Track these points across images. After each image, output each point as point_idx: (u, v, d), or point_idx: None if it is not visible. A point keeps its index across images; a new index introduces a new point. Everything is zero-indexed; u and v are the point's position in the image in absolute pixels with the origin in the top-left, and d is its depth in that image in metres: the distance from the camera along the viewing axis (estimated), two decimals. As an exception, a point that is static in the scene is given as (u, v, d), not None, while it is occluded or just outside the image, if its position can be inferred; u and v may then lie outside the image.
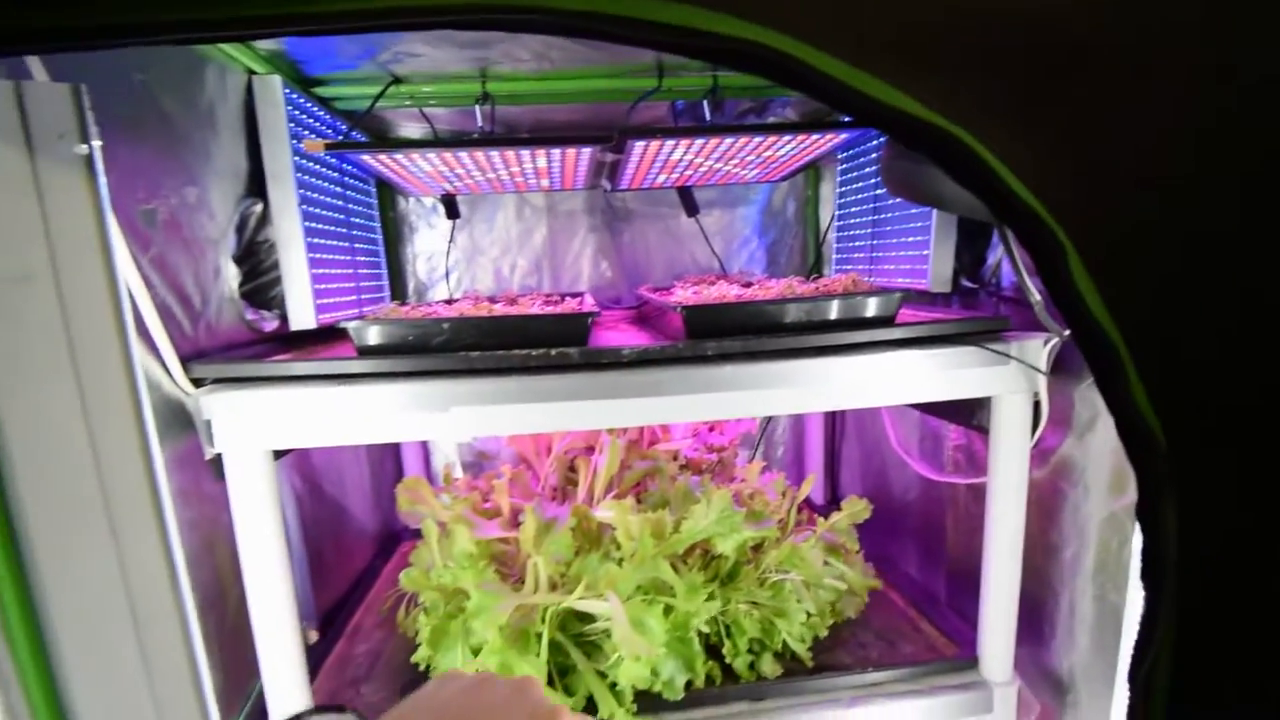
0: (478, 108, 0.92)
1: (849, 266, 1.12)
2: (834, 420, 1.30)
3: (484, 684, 0.36)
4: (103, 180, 0.40)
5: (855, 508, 0.86)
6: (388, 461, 1.24)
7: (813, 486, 0.96)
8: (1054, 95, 0.31)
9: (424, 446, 1.26)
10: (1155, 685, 0.41)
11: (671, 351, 0.63)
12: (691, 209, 1.13)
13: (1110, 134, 0.31)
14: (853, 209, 1.10)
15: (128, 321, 0.42)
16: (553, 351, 0.63)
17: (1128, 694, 0.40)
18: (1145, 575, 0.39)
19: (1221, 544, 0.37)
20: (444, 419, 0.61)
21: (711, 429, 1.04)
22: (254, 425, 0.59)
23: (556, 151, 0.80)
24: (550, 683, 0.71)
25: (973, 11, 0.30)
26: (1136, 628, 0.38)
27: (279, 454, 0.66)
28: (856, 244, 1.08)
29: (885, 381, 0.66)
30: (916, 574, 1.00)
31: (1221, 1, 0.30)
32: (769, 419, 1.36)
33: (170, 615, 0.49)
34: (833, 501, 1.29)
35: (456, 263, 1.26)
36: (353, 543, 1.06)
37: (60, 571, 0.41)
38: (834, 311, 0.68)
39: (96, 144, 0.40)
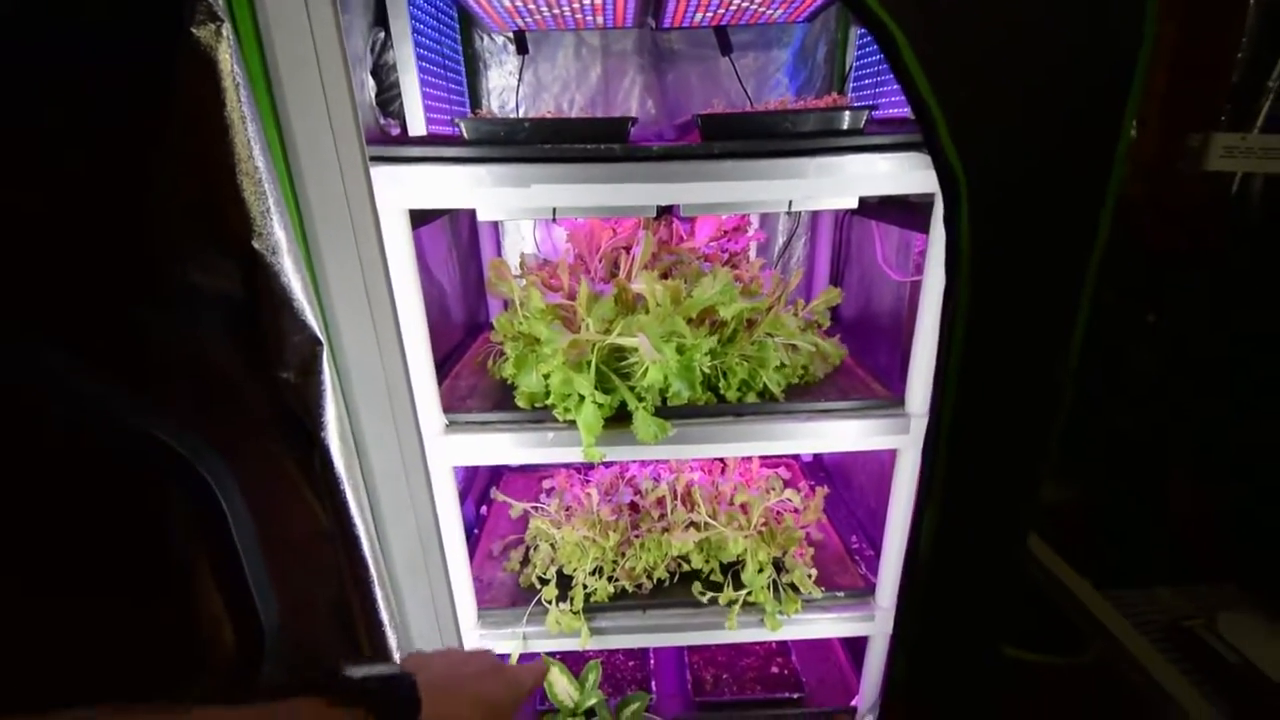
0: (545, -51, 1.09)
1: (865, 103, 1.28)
2: (840, 243, 1.52)
3: (470, 658, 0.57)
4: (338, 6, 0.65)
5: (829, 295, 1.12)
6: (472, 268, 1.56)
7: (830, 295, 1.20)
8: None
9: (499, 253, 1.57)
10: (943, 410, 0.68)
11: (687, 149, 0.87)
12: (726, 48, 1.29)
13: None
14: (869, 49, 1.24)
15: (353, 93, 0.69)
16: (602, 146, 0.87)
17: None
18: (948, 265, 0.64)
19: (998, 238, 0.61)
20: (526, 193, 0.88)
21: (727, 236, 1.29)
22: (398, 190, 0.87)
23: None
24: (595, 390, 1.04)
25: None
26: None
27: (415, 218, 0.95)
28: (867, 83, 1.24)
29: (850, 178, 0.89)
30: (883, 358, 1.27)
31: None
32: (788, 242, 1.59)
33: (385, 302, 0.80)
34: (834, 313, 1.55)
35: (524, 98, 1.48)
36: (451, 320, 1.40)
37: (334, 262, 0.72)
38: (810, 123, 0.89)
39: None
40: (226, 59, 0.58)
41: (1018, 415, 0.76)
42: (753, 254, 1.52)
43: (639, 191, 0.89)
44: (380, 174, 0.86)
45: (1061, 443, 0.97)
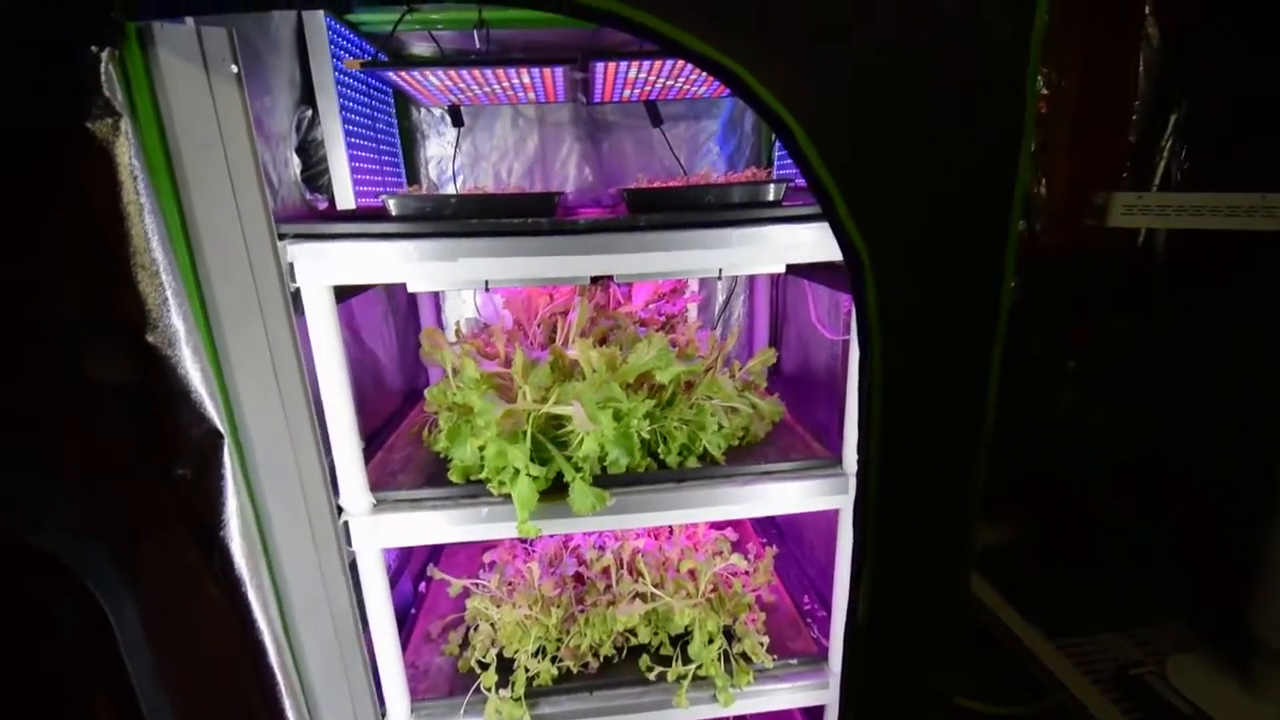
0: (475, 32, 1.13)
1: (790, 170, 1.34)
2: (777, 301, 1.56)
3: None
4: (245, 88, 0.65)
5: (765, 355, 1.14)
6: (410, 334, 1.53)
7: (766, 355, 1.22)
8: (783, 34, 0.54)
9: (439, 319, 1.54)
10: (870, 452, 0.69)
11: (613, 222, 0.89)
12: (656, 120, 1.35)
13: (815, 59, 0.54)
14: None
15: (260, 174, 0.68)
16: (529, 220, 0.88)
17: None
18: (859, 334, 0.66)
19: (904, 305, 0.64)
20: (453, 266, 0.88)
21: (664, 299, 1.30)
22: (321, 267, 0.85)
23: (535, 69, 1.02)
24: (531, 461, 1.02)
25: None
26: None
27: (339, 294, 0.93)
28: (792, 152, 1.30)
29: (773, 246, 0.91)
30: (821, 415, 1.29)
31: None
32: (727, 303, 1.62)
33: (297, 384, 0.77)
34: (775, 369, 1.57)
35: (462, 167, 1.49)
36: (386, 389, 1.36)
37: (239, 347, 0.68)
38: (732, 196, 0.93)
39: (239, 66, 0.64)
40: (124, 152, 0.56)
41: (942, 474, 0.77)
42: (693, 314, 1.54)
43: (568, 263, 0.89)
44: (302, 251, 0.84)
45: (999, 486, 1.00)
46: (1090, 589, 1.48)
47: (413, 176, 1.47)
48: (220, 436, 0.63)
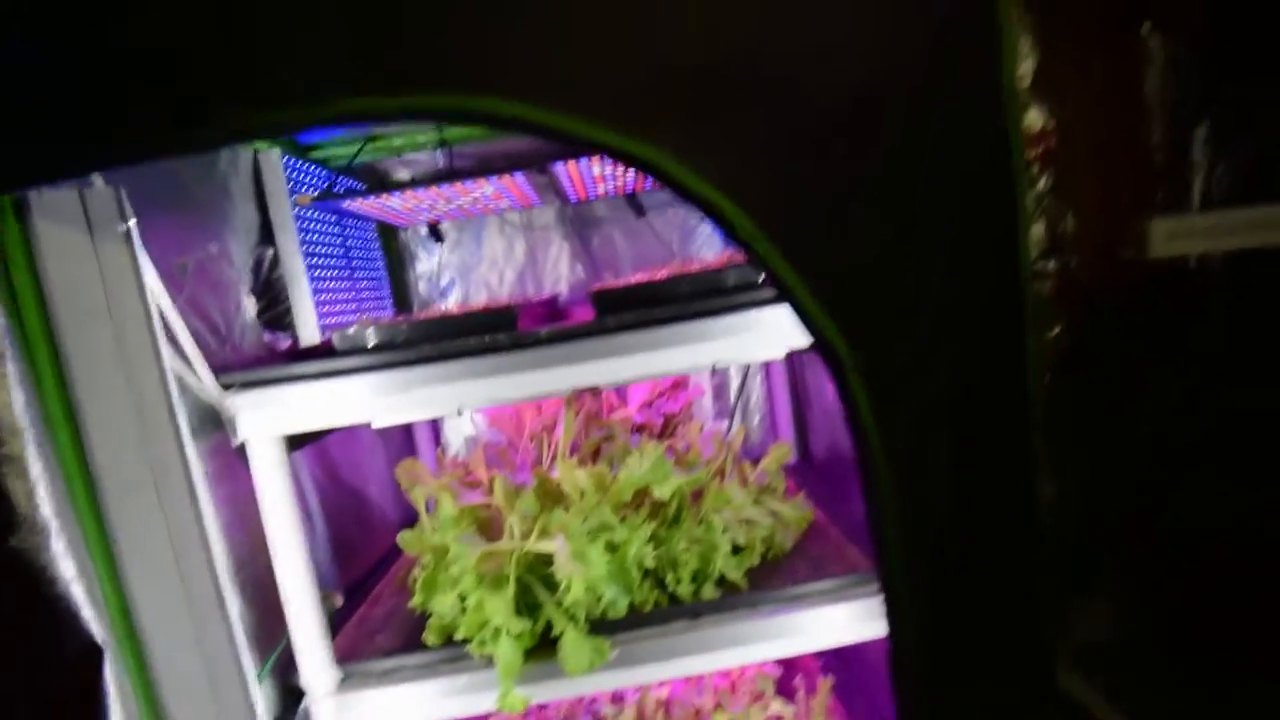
0: (439, 151, 1.11)
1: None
2: (797, 389, 1.42)
3: None
4: (138, 246, 0.59)
5: (779, 452, 0.99)
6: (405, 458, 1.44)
7: (780, 452, 1.07)
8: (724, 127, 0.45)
9: (435, 441, 1.46)
10: (888, 538, 0.54)
11: (578, 328, 0.79)
12: (639, 211, 1.29)
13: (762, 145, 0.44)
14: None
15: (161, 344, 0.61)
16: (485, 339, 0.79)
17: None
18: (857, 445, 0.52)
19: (905, 408, 0.50)
20: (406, 399, 0.79)
21: (663, 396, 1.18)
22: (266, 417, 0.78)
23: (494, 179, 0.97)
24: (519, 613, 0.87)
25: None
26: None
27: (292, 441, 0.85)
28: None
29: (767, 332, 0.80)
30: (859, 509, 1.11)
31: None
32: (742, 388, 1.49)
33: (204, 570, 0.67)
34: (804, 458, 1.40)
35: (453, 280, 1.46)
36: (376, 527, 1.26)
37: (129, 532, 0.60)
38: (711, 283, 0.82)
39: (132, 223, 0.59)
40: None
41: (992, 591, 0.60)
42: (708, 403, 1.41)
43: (537, 379, 0.79)
44: (244, 401, 0.77)
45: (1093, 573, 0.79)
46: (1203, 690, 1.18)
47: (403, 296, 1.44)
48: (101, 651, 0.53)
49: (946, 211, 0.48)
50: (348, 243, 1.18)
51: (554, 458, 1.02)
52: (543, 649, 0.83)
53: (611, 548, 0.86)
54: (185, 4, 0.42)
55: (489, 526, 0.98)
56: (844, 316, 0.48)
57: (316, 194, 0.95)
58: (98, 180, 0.58)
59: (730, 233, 0.46)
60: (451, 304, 1.45)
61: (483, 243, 1.46)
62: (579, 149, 0.85)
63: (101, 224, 0.57)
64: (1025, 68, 1.35)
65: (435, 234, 1.32)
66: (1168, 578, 1.26)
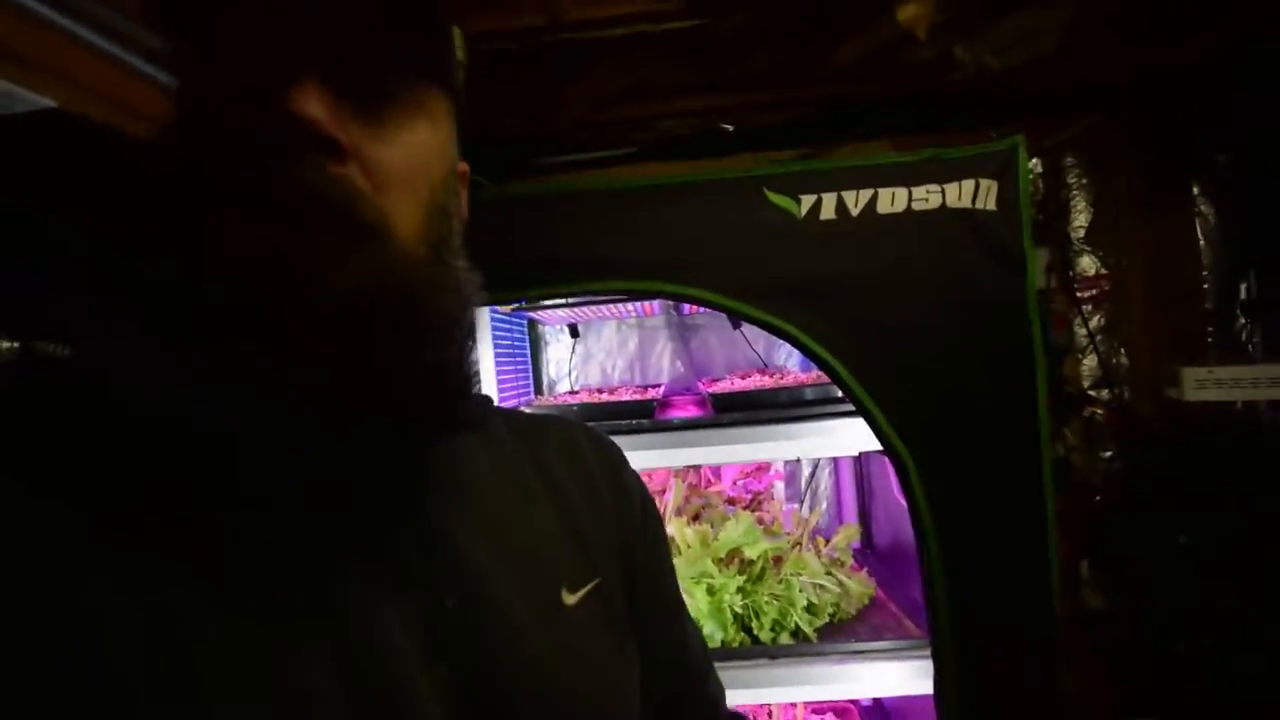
0: (591, 272, 1.47)
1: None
2: (863, 480, 1.64)
3: None
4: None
5: (847, 532, 1.22)
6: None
7: (849, 532, 1.30)
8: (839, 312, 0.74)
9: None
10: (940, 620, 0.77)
11: (701, 421, 1.08)
12: (735, 324, 1.59)
13: (863, 331, 0.73)
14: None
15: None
16: (634, 420, 1.09)
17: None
18: (914, 528, 0.76)
19: (952, 500, 0.74)
20: (573, 460, 1.09)
21: (750, 476, 1.44)
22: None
23: (637, 301, 1.30)
24: (635, 634, 1.12)
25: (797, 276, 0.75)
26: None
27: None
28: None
29: (844, 438, 1.06)
30: (915, 592, 1.30)
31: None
32: (812, 476, 1.72)
33: None
34: (867, 543, 1.60)
35: (575, 365, 1.80)
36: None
37: None
38: (805, 395, 1.10)
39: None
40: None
41: (1015, 669, 0.80)
42: (781, 487, 1.65)
43: (665, 455, 1.08)
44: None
45: (1127, 673, 0.95)
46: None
47: (538, 375, 1.79)
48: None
49: (983, 377, 0.74)
50: (512, 335, 1.55)
51: (663, 518, 1.29)
52: (653, 667, 1.07)
53: (710, 591, 1.10)
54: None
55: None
56: (910, 439, 0.74)
57: (515, 305, 1.31)
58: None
59: (830, 374, 0.74)
60: (575, 386, 1.79)
61: (602, 336, 1.81)
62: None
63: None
64: (1081, 220, 1.64)
65: (573, 332, 1.67)
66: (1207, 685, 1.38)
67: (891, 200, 0.71)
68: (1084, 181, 1.51)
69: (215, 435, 0.23)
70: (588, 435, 0.52)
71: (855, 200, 0.72)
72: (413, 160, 0.29)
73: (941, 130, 1.32)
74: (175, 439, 0.24)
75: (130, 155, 0.25)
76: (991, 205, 0.70)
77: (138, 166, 0.24)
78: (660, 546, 0.50)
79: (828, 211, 0.73)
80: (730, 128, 1.36)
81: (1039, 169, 1.46)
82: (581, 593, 0.37)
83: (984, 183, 0.70)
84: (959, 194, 0.70)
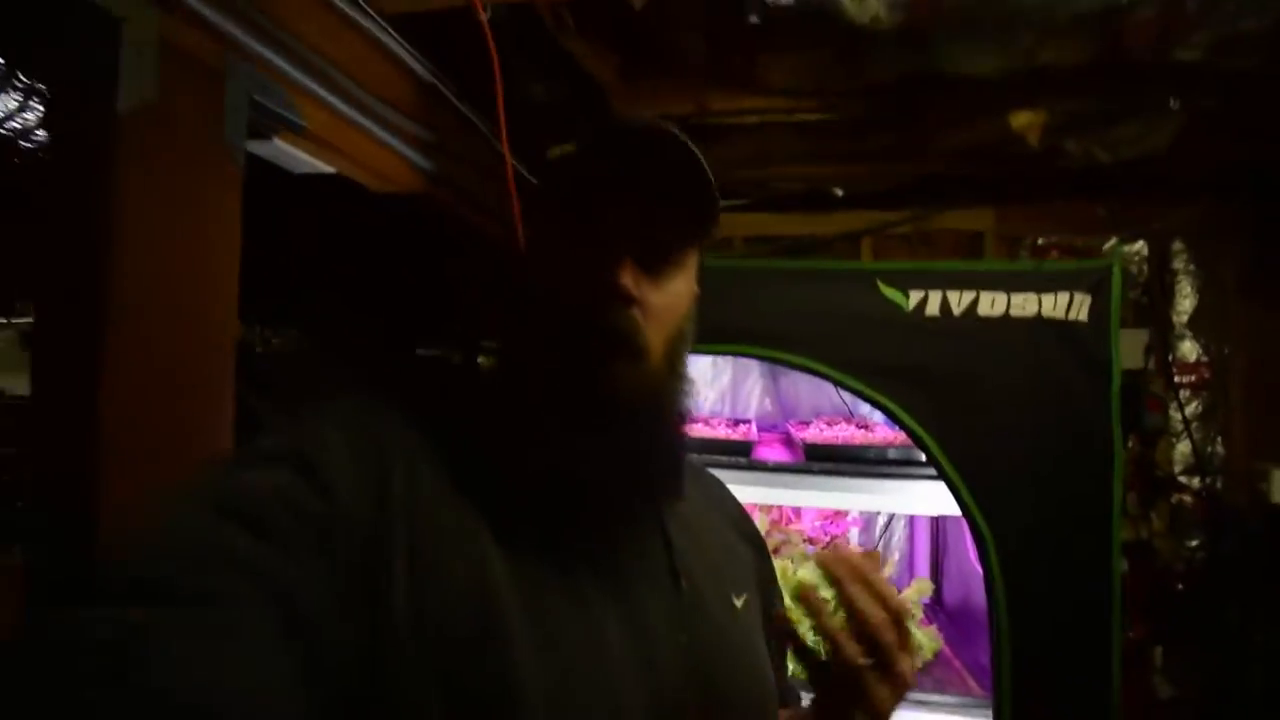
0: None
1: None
2: (938, 533, 1.69)
3: None
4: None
5: (920, 586, 1.30)
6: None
7: (922, 586, 1.37)
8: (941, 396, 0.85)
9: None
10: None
11: (792, 466, 1.20)
12: (828, 374, 1.70)
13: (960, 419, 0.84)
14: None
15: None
16: (735, 458, 1.23)
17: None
18: (988, 596, 0.85)
19: (1025, 577, 0.83)
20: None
21: (828, 520, 1.53)
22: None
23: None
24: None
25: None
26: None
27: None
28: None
29: (924, 497, 1.15)
30: (981, 654, 1.36)
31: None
32: (887, 527, 1.79)
33: None
34: (937, 600, 1.65)
35: (670, 394, 1.96)
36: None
37: None
38: (889, 455, 1.20)
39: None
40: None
41: None
42: (856, 534, 1.73)
43: (757, 493, 1.21)
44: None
45: None
46: None
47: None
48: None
49: (1063, 470, 0.83)
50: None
51: (745, 547, 1.41)
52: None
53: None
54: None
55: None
56: (989, 514, 0.84)
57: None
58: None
59: (920, 445, 0.85)
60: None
61: (698, 367, 1.96)
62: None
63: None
64: (1185, 305, 1.65)
65: (673, 362, 1.83)
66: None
67: (992, 304, 0.82)
68: (1191, 267, 1.49)
69: (577, 478, 0.40)
70: (716, 479, 0.65)
71: (959, 300, 0.84)
72: (672, 302, 0.43)
73: (1045, 200, 1.37)
74: (557, 479, 0.40)
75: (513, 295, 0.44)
76: (1084, 317, 0.79)
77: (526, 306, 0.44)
78: (776, 585, 0.63)
79: (933, 308, 0.84)
80: (839, 191, 1.48)
81: (1144, 251, 1.47)
82: (742, 600, 0.51)
83: (1078, 296, 0.80)
84: (1054, 304, 0.80)
